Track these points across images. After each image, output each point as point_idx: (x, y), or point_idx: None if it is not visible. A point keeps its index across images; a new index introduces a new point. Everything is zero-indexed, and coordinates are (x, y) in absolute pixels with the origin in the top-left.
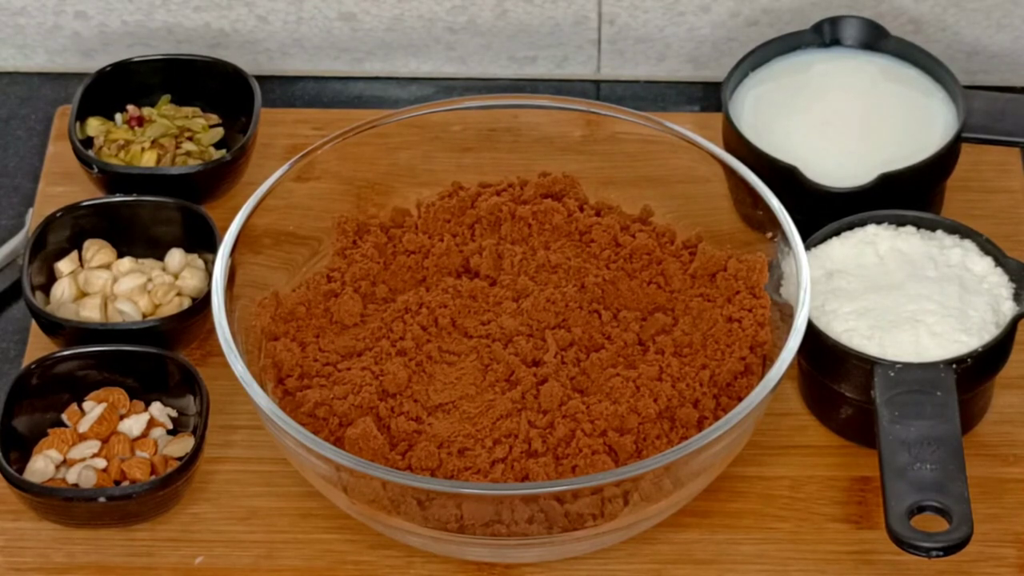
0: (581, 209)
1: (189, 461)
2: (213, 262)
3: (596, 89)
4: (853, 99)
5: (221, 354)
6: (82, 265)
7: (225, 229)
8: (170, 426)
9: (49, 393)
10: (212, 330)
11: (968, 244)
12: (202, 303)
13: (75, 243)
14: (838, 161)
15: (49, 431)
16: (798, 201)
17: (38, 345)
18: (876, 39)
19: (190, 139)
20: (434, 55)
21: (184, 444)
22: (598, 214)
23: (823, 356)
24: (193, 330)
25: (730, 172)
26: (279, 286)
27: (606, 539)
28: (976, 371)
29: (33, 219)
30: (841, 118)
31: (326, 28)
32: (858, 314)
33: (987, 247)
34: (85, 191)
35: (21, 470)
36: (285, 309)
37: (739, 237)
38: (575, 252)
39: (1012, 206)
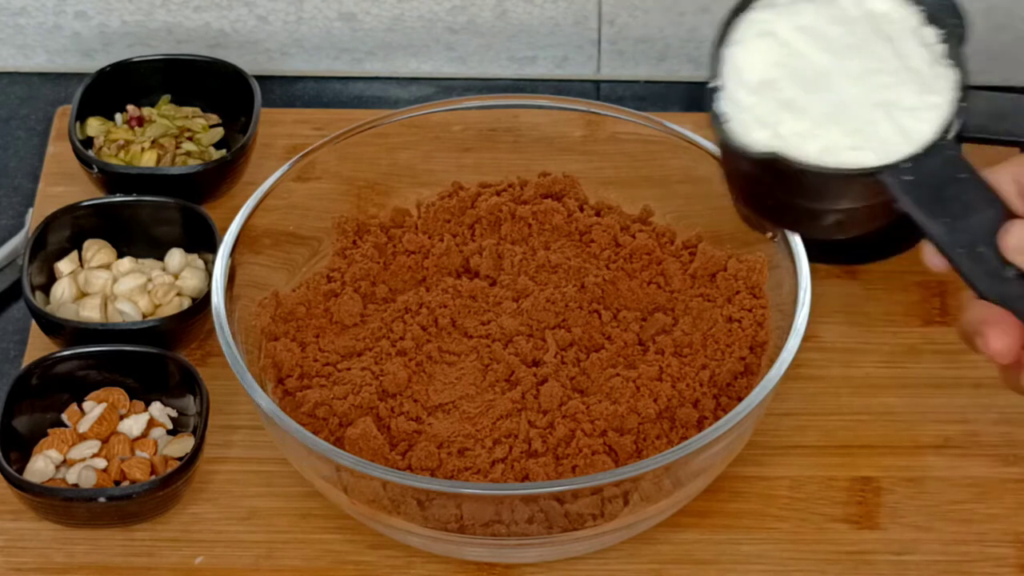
0: (581, 209)
1: (189, 461)
2: (213, 262)
3: (596, 89)
4: None
5: (221, 354)
6: (82, 265)
7: (225, 229)
8: (170, 426)
9: (49, 393)
10: (212, 330)
11: None
12: (202, 303)
13: (75, 243)
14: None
15: (49, 431)
16: None
17: (38, 345)
18: None
19: (190, 139)
20: (434, 55)
21: (184, 444)
22: (598, 214)
23: (812, 189)
24: (193, 330)
25: None
26: (279, 286)
27: (606, 539)
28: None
29: (33, 219)
30: None
31: (326, 28)
32: (819, 123)
33: None
34: (85, 191)
35: (21, 470)
36: (285, 309)
37: (739, 237)
38: (575, 252)
39: None
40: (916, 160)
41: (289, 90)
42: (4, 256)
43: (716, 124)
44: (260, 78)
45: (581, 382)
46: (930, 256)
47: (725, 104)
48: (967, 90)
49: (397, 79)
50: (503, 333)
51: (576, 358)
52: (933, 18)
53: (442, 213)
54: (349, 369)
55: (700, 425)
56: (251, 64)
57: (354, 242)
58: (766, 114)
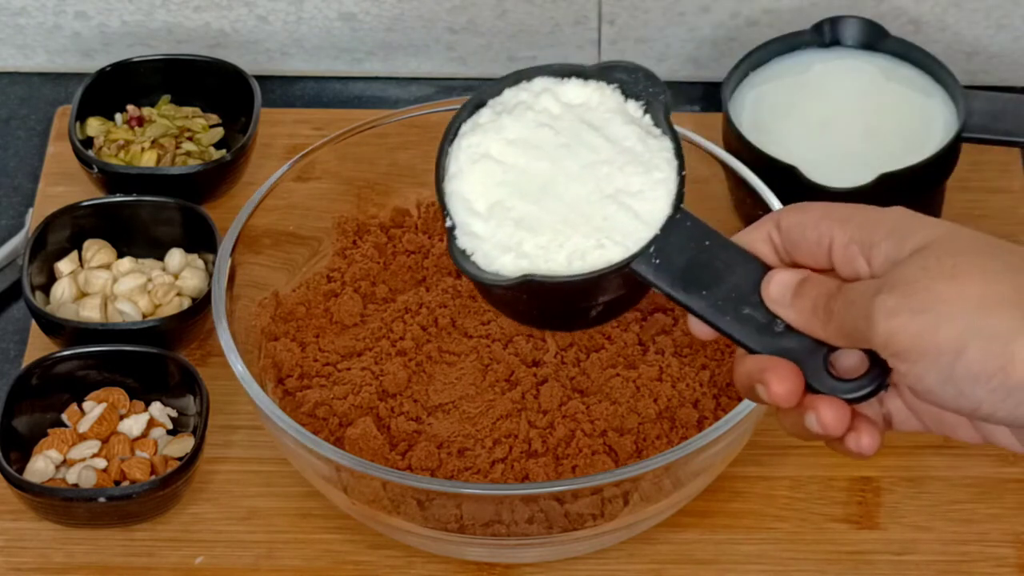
0: None
1: (189, 461)
2: (213, 262)
3: None
4: (853, 99)
5: (221, 354)
6: (82, 265)
7: (225, 229)
8: (170, 426)
9: (49, 393)
10: (212, 330)
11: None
12: (202, 303)
13: (75, 243)
14: (838, 161)
15: (49, 431)
16: (798, 201)
17: (38, 345)
18: (876, 39)
19: (190, 139)
20: (434, 55)
21: (184, 444)
22: None
23: (571, 295)
24: (193, 330)
25: (730, 172)
26: (279, 286)
27: (606, 539)
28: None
29: (33, 219)
30: (841, 118)
31: (326, 28)
32: (558, 232)
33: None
34: (85, 191)
35: (21, 470)
36: (285, 309)
37: None
38: None
39: (1012, 206)
40: (657, 242)
41: (289, 90)
42: (4, 256)
43: (460, 263)
44: (260, 78)
45: (581, 382)
46: (695, 327)
47: (463, 240)
48: (683, 157)
49: (397, 79)
50: (503, 333)
51: (576, 358)
52: (631, 92)
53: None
54: (349, 369)
55: (700, 425)
56: (251, 64)
57: (354, 242)
58: (505, 237)
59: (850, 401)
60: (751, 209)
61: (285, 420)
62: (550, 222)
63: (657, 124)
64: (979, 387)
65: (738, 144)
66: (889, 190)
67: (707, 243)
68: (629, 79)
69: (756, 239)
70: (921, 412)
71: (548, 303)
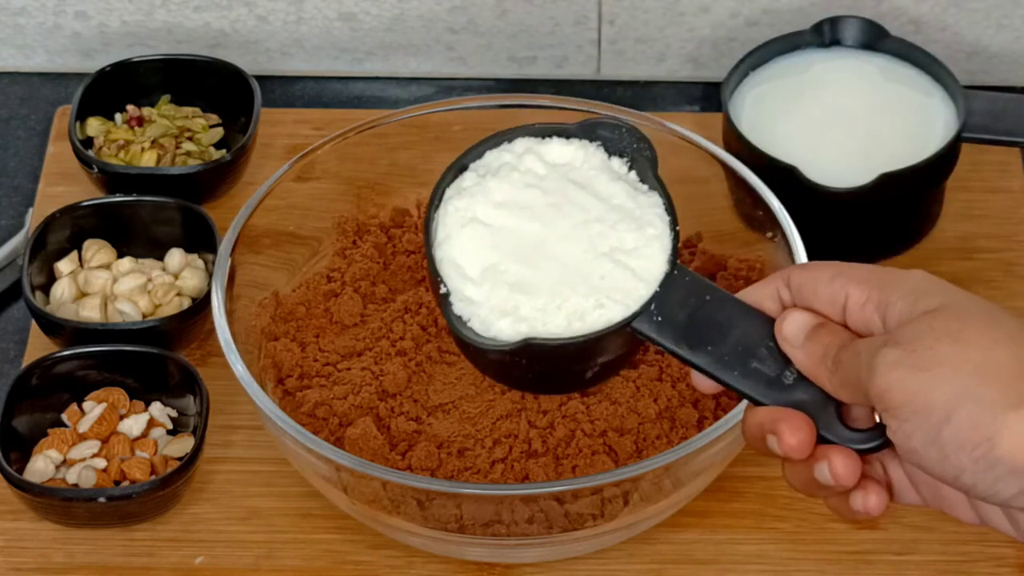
0: None
1: (189, 461)
2: (213, 262)
3: (596, 89)
4: (853, 99)
5: (221, 354)
6: (82, 265)
7: (225, 229)
8: (170, 426)
9: (49, 393)
10: (212, 330)
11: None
12: (202, 303)
13: (75, 243)
14: (838, 161)
15: (49, 431)
16: (798, 201)
17: (38, 345)
18: (876, 39)
19: (190, 139)
20: (434, 55)
21: (184, 444)
22: None
23: (571, 357)
24: (193, 330)
25: (730, 172)
26: (279, 286)
27: (606, 539)
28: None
29: (33, 219)
30: (841, 118)
31: (326, 28)
32: (555, 293)
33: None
34: (85, 191)
35: (21, 470)
36: (285, 309)
37: (739, 237)
38: None
39: (1012, 206)
40: (658, 299)
41: (289, 90)
42: (4, 256)
43: (457, 330)
44: (260, 78)
45: None
46: (699, 382)
47: (459, 306)
48: (674, 212)
49: (397, 79)
50: None
51: None
52: (614, 148)
53: None
54: (349, 369)
55: (700, 425)
56: (251, 64)
57: (354, 242)
58: (502, 301)
59: (862, 452)
60: (751, 209)
61: (285, 420)
62: (546, 284)
63: (643, 180)
64: (963, 454)
65: (738, 144)
66: (889, 190)
67: (707, 298)
68: (612, 136)
69: (763, 296)
70: (919, 483)
71: (547, 366)
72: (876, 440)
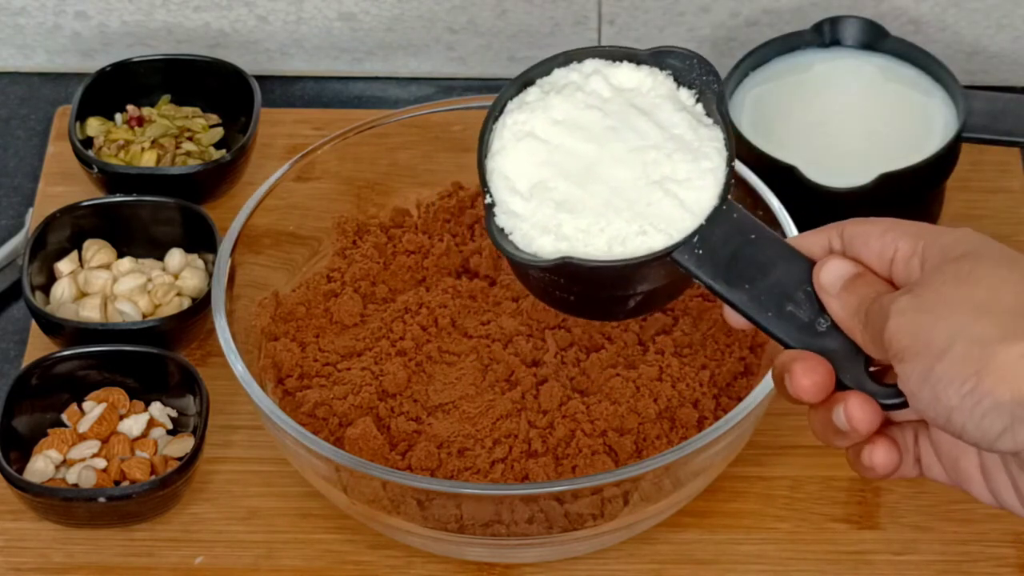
0: None
1: (189, 461)
2: (213, 262)
3: None
4: (853, 99)
5: (221, 354)
6: (82, 265)
7: (225, 229)
8: (170, 426)
9: (49, 393)
10: (212, 330)
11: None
12: (202, 303)
13: (75, 243)
14: (838, 161)
15: (49, 431)
16: (798, 201)
17: (38, 345)
18: (876, 39)
19: (190, 139)
20: (434, 55)
21: (184, 444)
22: None
23: (609, 281)
24: (193, 330)
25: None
26: (279, 286)
27: (606, 539)
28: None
29: (33, 219)
30: (841, 118)
31: (326, 28)
32: (600, 215)
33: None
34: (85, 191)
35: (21, 470)
36: (285, 309)
37: None
38: None
39: (1012, 206)
40: (702, 232)
41: (289, 90)
42: (4, 256)
43: (498, 242)
44: (260, 78)
45: (581, 382)
46: (732, 317)
47: (502, 218)
48: (733, 148)
49: (397, 79)
50: (503, 333)
51: (576, 358)
52: (684, 79)
53: (442, 213)
54: (349, 369)
55: (700, 425)
56: (251, 64)
57: (354, 242)
58: (545, 218)
59: (886, 407)
60: (751, 209)
61: (285, 420)
62: (592, 205)
63: (709, 114)
64: (951, 390)
65: (738, 144)
66: (889, 190)
67: (753, 236)
68: (683, 66)
69: (814, 244)
70: (941, 455)
71: (585, 288)
72: (899, 396)
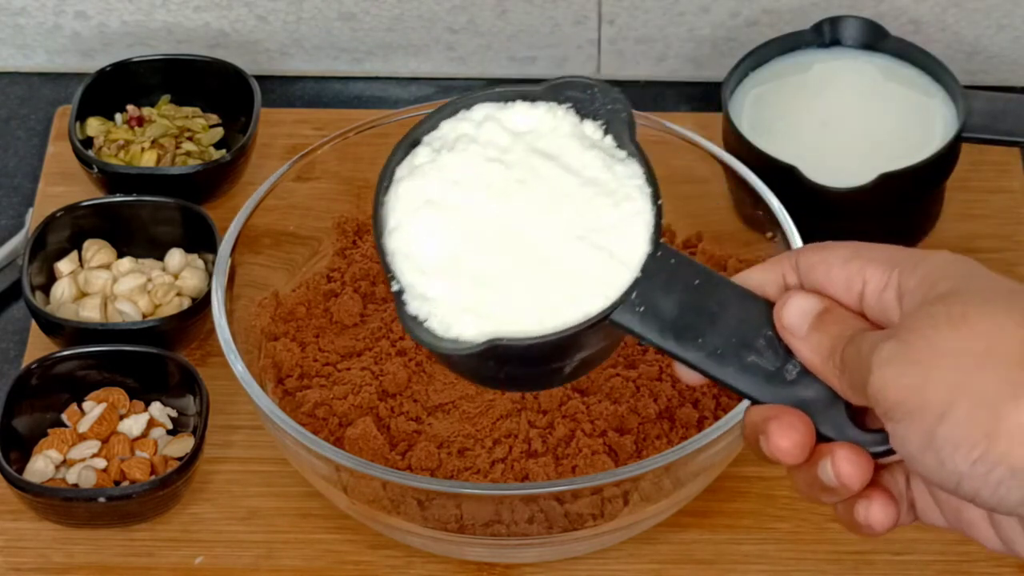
0: None
1: (189, 461)
2: (213, 262)
3: None
4: (853, 99)
5: (221, 354)
6: (82, 265)
7: (225, 229)
8: (170, 426)
9: (49, 393)
10: (212, 330)
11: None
12: (202, 303)
13: (75, 243)
14: (838, 161)
15: (49, 431)
16: (798, 201)
17: (38, 345)
18: (876, 39)
19: (190, 139)
20: (434, 55)
21: (184, 444)
22: None
23: (545, 356)
24: (193, 330)
25: (730, 172)
26: (279, 286)
27: (606, 539)
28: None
29: (33, 219)
30: (841, 118)
31: (326, 28)
32: (524, 285)
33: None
34: (85, 191)
35: (21, 470)
36: (285, 309)
37: (739, 237)
38: None
39: (1012, 206)
40: (640, 286)
41: (289, 90)
42: (4, 256)
43: (413, 332)
44: (260, 78)
45: (581, 382)
46: (685, 374)
47: (414, 305)
48: (656, 183)
49: (397, 79)
50: None
51: None
52: (586, 110)
53: None
54: (349, 369)
55: (700, 425)
56: (251, 64)
57: (354, 242)
58: (463, 297)
59: (877, 456)
60: (751, 209)
61: (285, 420)
62: (513, 274)
63: (621, 146)
64: (959, 456)
65: (738, 144)
66: (889, 190)
67: (697, 282)
68: (583, 96)
69: (766, 280)
70: (941, 501)
71: (518, 367)
72: (888, 443)
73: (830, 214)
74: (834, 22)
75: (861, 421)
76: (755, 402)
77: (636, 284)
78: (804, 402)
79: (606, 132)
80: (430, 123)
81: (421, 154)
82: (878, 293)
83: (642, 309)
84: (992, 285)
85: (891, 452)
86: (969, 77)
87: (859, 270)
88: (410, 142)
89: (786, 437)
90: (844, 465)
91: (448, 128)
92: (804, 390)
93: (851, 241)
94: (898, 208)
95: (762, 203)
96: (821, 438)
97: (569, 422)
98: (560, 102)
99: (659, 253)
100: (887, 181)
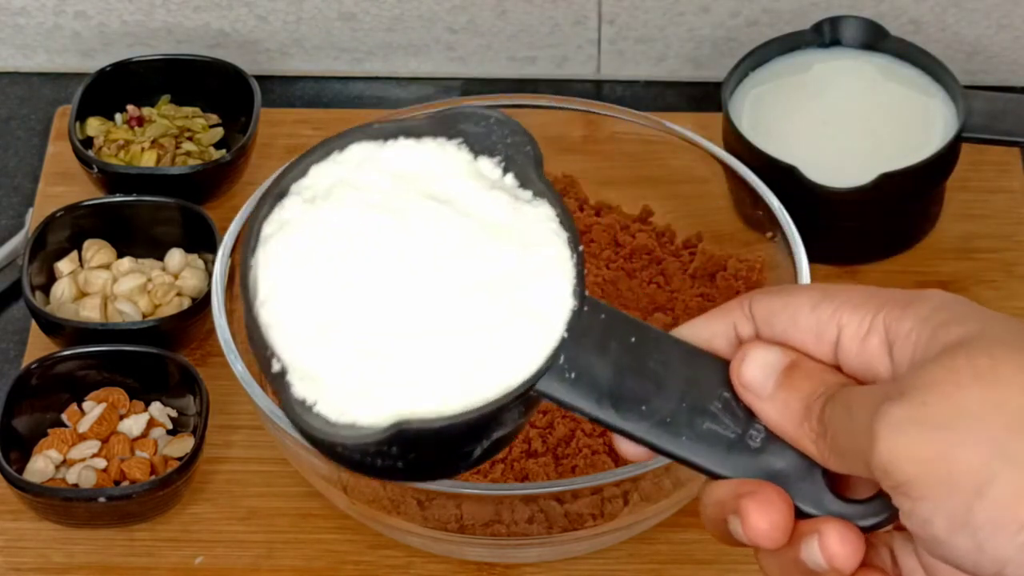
0: (581, 209)
1: (189, 461)
2: (213, 262)
3: (596, 89)
4: (853, 99)
5: (221, 354)
6: (82, 265)
7: (225, 229)
8: (170, 426)
9: (49, 393)
10: (212, 330)
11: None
12: (202, 303)
13: (75, 243)
14: (838, 161)
15: (49, 431)
16: (798, 201)
17: (38, 345)
18: (876, 39)
19: (190, 139)
20: (434, 55)
21: (184, 444)
22: (598, 214)
23: (457, 438)
24: (193, 330)
25: (730, 172)
26: None
27: (606, 539)
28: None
29: (33, 219)
30: (841, 118)
31: (326, 28)
32: (427, 356)
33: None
34: (85, 191)
35: (21, 470)
36: None
37: (739, 237)
38: None
39: (1012, 206)
40: (566, 349)
41: (289, 90)
42: (4, 256)
43: (302, 420)
44: (260, 78)
45: None
46: (627, 449)
47: (300, 387)
48: (573, 226)
49: (397, 79)
50: None
51: None
52: (481, 146)
53: None
54: None
55: None
56: (251, 64)
57: None
58: (356, 374)
59: (868, 528)
60: (751, 209)
61: (285, 420)
62: (413, 342)
63: (525, 185)
64: (1004, 538)
65: (738, 144)
66: (889, 190)
67: (633, 339)
68: (478, 129)
69: (714, 334)
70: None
71: (423, 454)
72: (882, 514)
73: (830, 214)
74: (834, 22)
75: (839, 489)
76: (714, 477)
77: (562, 346)
78: (774, 473)
79: (506, 170)
80: (298, 169)
81: (290, 207)
82: (858, 341)
83: (573, 375)
84: (1009, 328)
85: (882, 525)
86: (969, 77)
87: (832, 315)
88: (276, 193)
89: (765, 517)
90: (834, 545)
91: (320, 174)
92: (773, 459)
93: (814, 284)
94: (898, 208)
95: (762, 203)
96: (798, 513)
97: (569, 422)
98: (450, 137)
99: (586, 308)
100: (887, 181)
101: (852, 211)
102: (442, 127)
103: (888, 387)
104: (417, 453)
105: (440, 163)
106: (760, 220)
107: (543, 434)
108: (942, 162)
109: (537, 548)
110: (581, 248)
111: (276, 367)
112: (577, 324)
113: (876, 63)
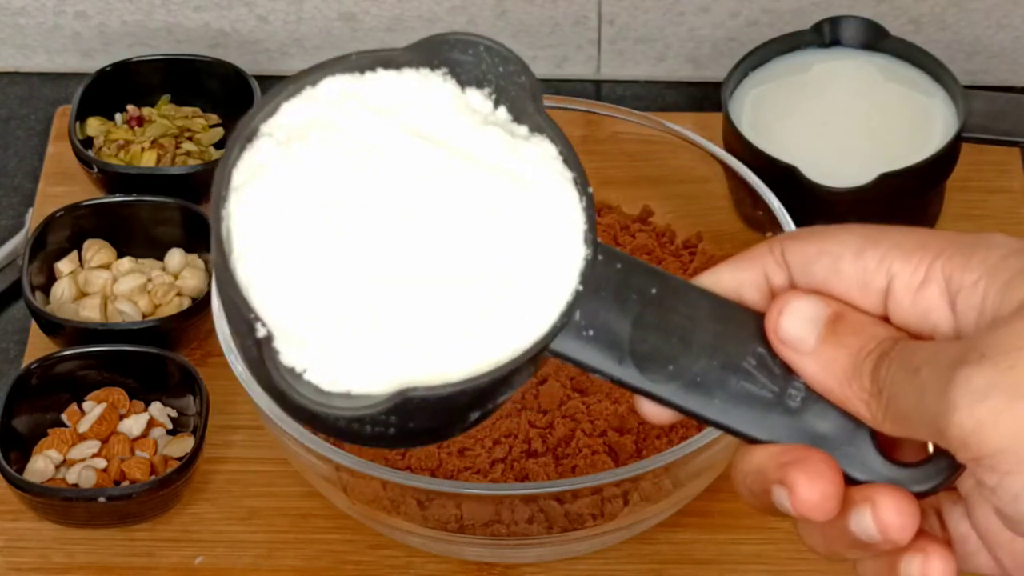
0: None
1: (189, 461)
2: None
3: (596, 89)
4: (853, 99)
5: (221, 354)
6: (82, 265)
7: None
8: (170, 426)
9: (49, 393)
10: (212, 330)
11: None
12: (202, 303)
13: (75, 243)
14: (838, 161)
15: (49, 431)
16: (798, 201)
17: (38, 345)
18: (876, 39)
19: (190, 139)
20: None
21: (184, 444)
22: (598, 214)
23: (463, 405)
24: (193, 330)
25: (730, 172)
26: None
27: (606, 539)
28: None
29: (33, 219)
30: (841, 118)
31: (326, 28)
32: (431, 315)
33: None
34: (85, 191)
35: (21, 470)
36: None
37: (739, 237)
38: None
39: (1012, 206)
40: (582, 302)
41: None
42: (4, 256)
43: (292, 390)
44: (260, 78)
45: (581, 381)
46: (652, 412)
47: (290, 354)
48: (578, 164)
49: None
50: None
51: None
52: (469, 76)
53: None
54: None
55: (701, 425)
56: (251, 64)
57: None
58: (351, 338)
59: (921, 494)
60: (751, 209)
61: (285, 420)
62: (411, 299)
63: (519, 119)
64: None
65: (738, 144)
66: (889, 190)
67: (654, 291)
68: (465, 58)
69: (743, 282)
70: (998, 545)
71: (424, 420)
72: (937, 478)
73: (830, 214)
74: (834, 22)
75: (886, 450)
76: (750, 441)
77: (577, 299)
78: (817, 436)
79: (498, 102)
80: (268, 108)
81: (263, 149)
82: (912, 291)
83: (590, 332)
84: None
85: (936, 490)
86: (969, 77)
87: (880, 262)
88: (246, 136)
89: (816, 488)
90: (890, 515)
91: (292, 112)
92: (815, 420)
93: (851, 225)
94: (898, 208)
95: (762, 203)
96: (846, 480)
97: (569, 422)
98: (434, 67)
99: (600, 257)
100: (887, 181)
101: (852, 211)
102: (425, 56)
103: (962, 347)
104: (416, 421)
105: (424, 97)
106: (760, 220)
107: (543, 434)
108: (942, 162)
109: (537, 548)
110: (591, 189)
111: (261, 332)
112: (592, 275)
113: (876, 63)
